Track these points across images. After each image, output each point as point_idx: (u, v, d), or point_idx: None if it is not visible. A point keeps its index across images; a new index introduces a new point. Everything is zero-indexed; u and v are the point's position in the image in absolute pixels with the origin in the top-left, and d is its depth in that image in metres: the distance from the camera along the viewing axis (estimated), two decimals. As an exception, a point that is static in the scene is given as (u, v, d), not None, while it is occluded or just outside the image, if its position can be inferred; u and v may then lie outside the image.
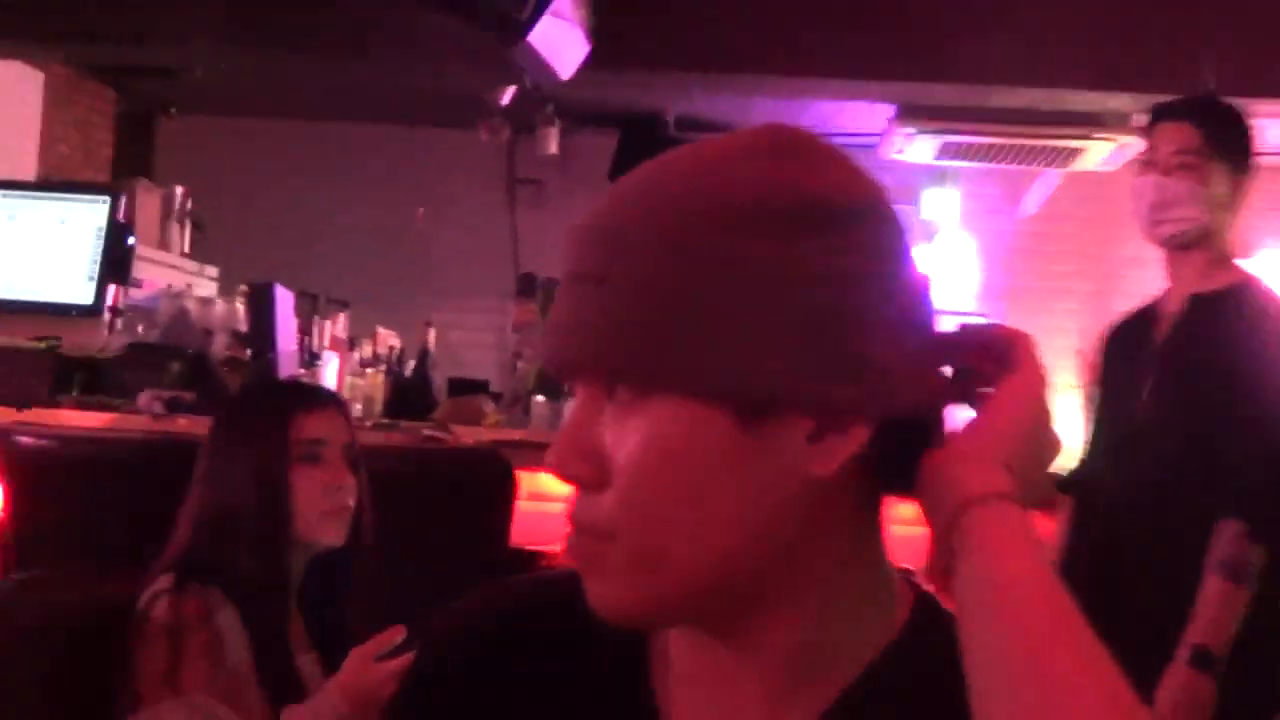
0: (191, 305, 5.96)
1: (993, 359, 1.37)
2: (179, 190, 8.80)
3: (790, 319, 1.26)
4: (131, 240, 6.12)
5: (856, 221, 1.31)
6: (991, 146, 9.71)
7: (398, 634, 2.93)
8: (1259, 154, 4.28)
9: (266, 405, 3.46)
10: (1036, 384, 1.35)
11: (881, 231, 1.33)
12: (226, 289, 6.71)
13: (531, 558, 4.77)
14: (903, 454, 1.35)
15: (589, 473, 1.33)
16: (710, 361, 1.27)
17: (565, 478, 1.35)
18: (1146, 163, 4.24)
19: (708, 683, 1.43)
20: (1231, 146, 4.21)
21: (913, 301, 1.34)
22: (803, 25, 8.04)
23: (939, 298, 1.33)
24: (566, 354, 1.36)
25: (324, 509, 3.34)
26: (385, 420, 5.93)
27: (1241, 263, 4.26)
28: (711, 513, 1.30)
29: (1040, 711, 1.17)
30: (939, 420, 1.38)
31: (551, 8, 6.54)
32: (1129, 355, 4.30)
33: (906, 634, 1.42)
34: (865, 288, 1.29)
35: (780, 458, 1.29)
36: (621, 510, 1.31)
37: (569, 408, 1.37)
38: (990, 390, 1.36)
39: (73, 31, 8.40)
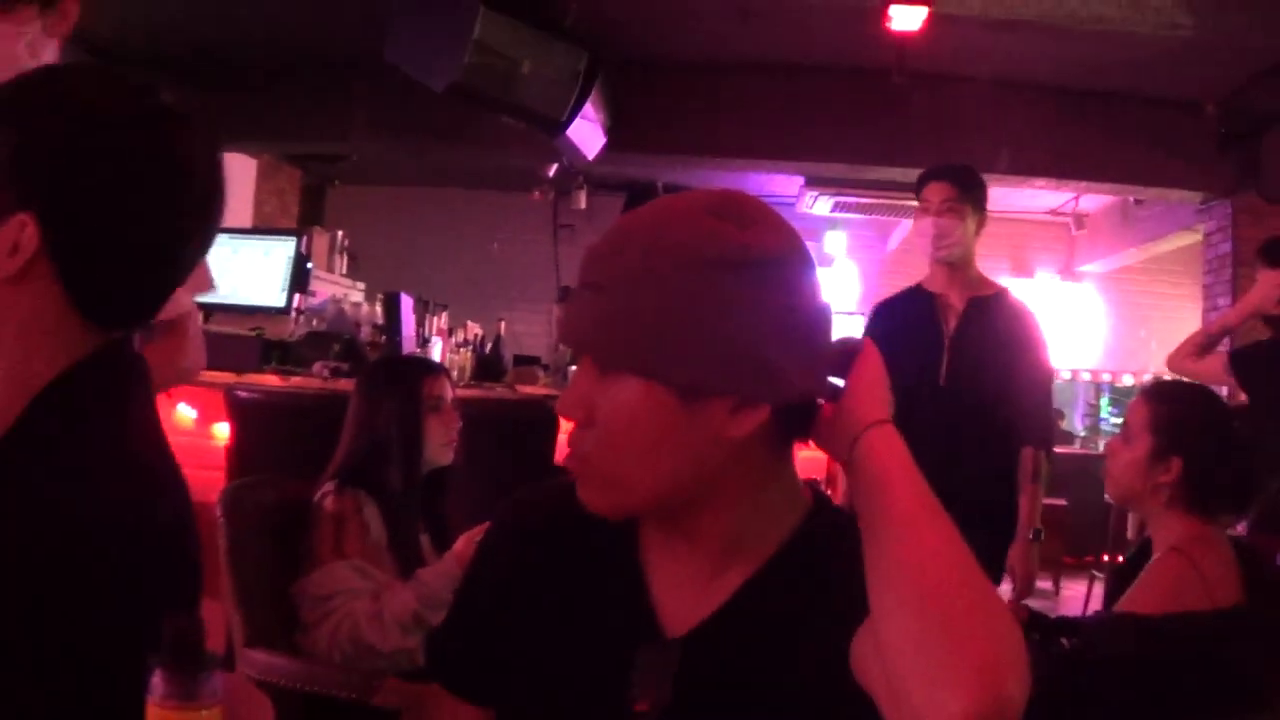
0: (346, 307, 6.00)
1: (851, 352, 1.38)
2: (340, 234, 8.85)
3: (718, 332, 1.29)
4: (309, 265, 6.18)
5: (772, 266, 1.31)
6: (868, 204, 9.82)
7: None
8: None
9: (406, 372, 3.47)
10: (879, 363, 1.36)
11: (792, 273, 1.33)
12: (370, 296, 6.72)
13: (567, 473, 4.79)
14: (800, 414, 1.38)
15: (580, 416, 1.37)
16: (663, 356, 1.30)
17: (564, 417, 1.40)
18: (923, 209, 4.25)
19: (669, 555, 1.45)
20: (976, 197, 4.24)
21: (811, 321, 1.34)
22: (746, 125, 8.14)
23: (833, 306, 1.31)
24: (574, 336, 1.38)
25: (443, 441, 3.38)
26: (473, 382, 5.98)
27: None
28: (657, 455, 1.34)
29: (918, 571, 1.19)
30: (824, 395, 1.37)
31: (589, 116, 6.56)
32: (916, 334, 4.27)
33: (807, 523, 1.44)
34: (774, 313, 1.30)
35: (708, 423, 1.32)
36: (596, 446, 1.36)
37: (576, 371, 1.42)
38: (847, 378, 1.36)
39: (273, 134, 8.53)
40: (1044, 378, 4.27)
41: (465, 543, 2.99)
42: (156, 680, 1.07)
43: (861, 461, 1.30)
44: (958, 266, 4.25)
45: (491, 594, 1.55)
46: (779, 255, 1.33)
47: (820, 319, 1.36)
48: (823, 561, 1.39)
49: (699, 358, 1.30)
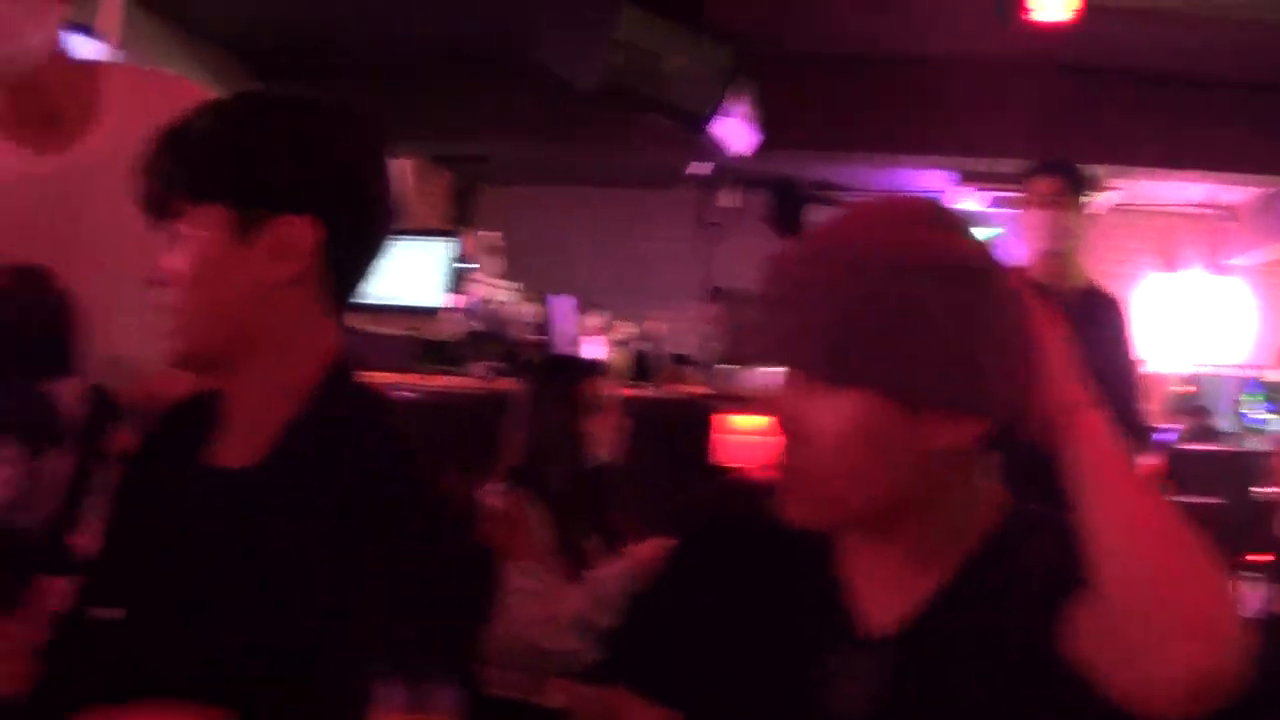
0: (503, 307, 6.03)
1: None
2: (491, 233, 8.91)
3: (943, 343, 1.27)
4: (466, 266, 6.22)
5: (982, 275, 1.30)
6: (1013, 198, 9.68)
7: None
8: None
9: (569, 373, 3.50)
10: (1066, 341, 1.34)
11: (998, 281, 1.32)
12: (526, 297, 6.75)
13: (720, 470, 4.79)
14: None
15: (792, 431, 1.34)
16: (895, 368, 1.28)
17: (781, 432, 1.36)
18: (1030, 201, 4.30)
19: (867, 558, 1.43)
20: (1083, 190, 4.30)
21: (1015, 328, 1.32)
22: (895, 119, 8.06)
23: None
24: (782, 350, 1.34)
25: (606, 439, 3.39)
26: (628, 381, 5.97)
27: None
28: (873, 470, 1.32)
29: (1153, 536, 1.23)
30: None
31: (735, 112, 6.53)
32: None
33: (1003, 520, 1.42)
34: (986, 322, 1.29)
35: (925, 436, 1.30)
36: (810, 462, 1.33)
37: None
38: None
39: (426, 138, 8.63)
40: (1135, 370, 4.37)
41: (651, 548, 2.97)
42: (390, 689, 1.11)
43: (1081, 443, 1.28)
44: (1064, 258, 4.27)
45: (683, 597, 1.54)
46: (987, 264, 1.33)
47: (1021, 326, 1.34)
48: (1021, 558, 1.38)
49: (927, 370, 1.28)
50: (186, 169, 1.44)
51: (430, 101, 8.38)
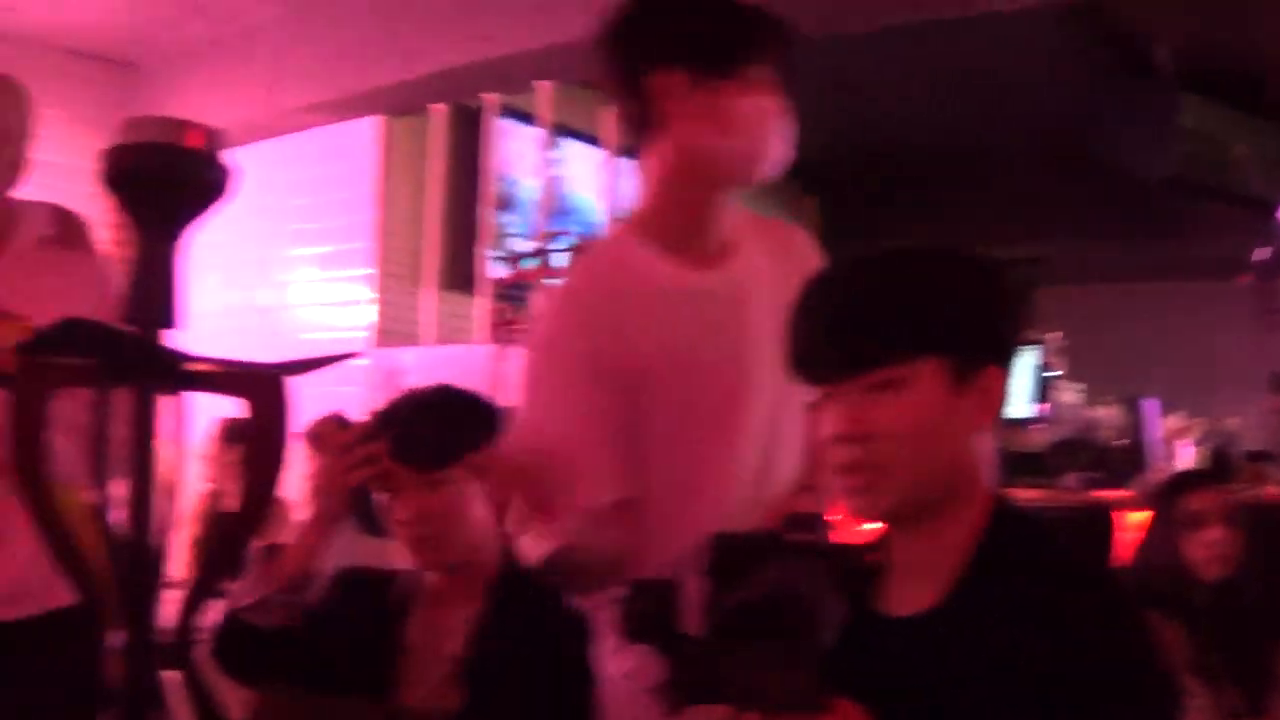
0: (1085, 413, 5.93)
1: None
2: (1058, 335, 8.79)
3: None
4: (1050, 374, 6.17)
5: None
6: None
7: None
8: None
9: (1168, 489, 3.36)
10: None
11: None
12: (1092, 400, 6.56)
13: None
14: None
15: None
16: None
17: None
18: None
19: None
20: None
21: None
22: None
23: None
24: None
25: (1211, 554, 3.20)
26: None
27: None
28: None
29: None
30: None
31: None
32: None
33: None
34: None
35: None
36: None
37: None
38: None
39: (982, 242, 8.63)
40: None
41: None
42: None
43: None
44: None
45: None
46: None
47: None
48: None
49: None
50: (907, 322, 1.45)
51: (986, 206, 8.39)
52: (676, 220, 2.04)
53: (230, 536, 1.13)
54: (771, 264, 2.06)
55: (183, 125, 1.06)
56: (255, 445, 1.08)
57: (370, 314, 6.00)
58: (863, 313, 1.46)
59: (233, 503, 4.41)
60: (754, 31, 1.98)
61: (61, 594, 2.26)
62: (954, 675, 1.38)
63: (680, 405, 1.94)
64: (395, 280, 6.08)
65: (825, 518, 1.55)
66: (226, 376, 1.08)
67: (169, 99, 6.64)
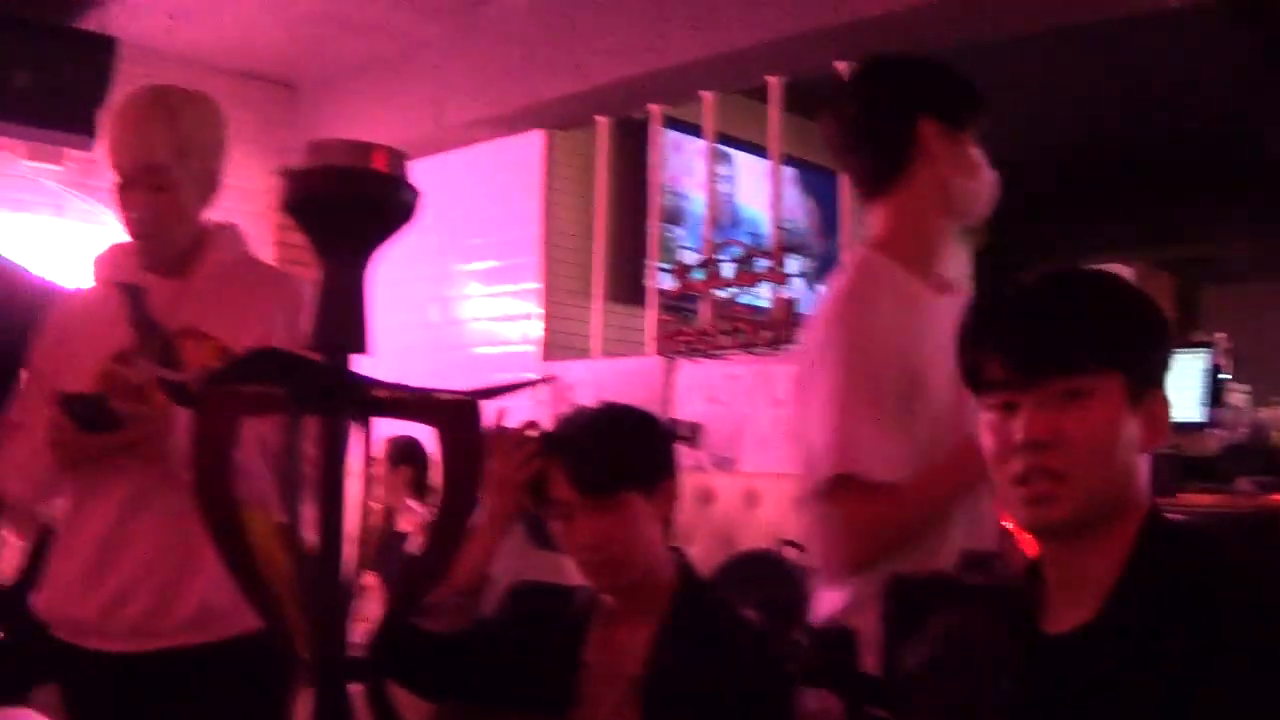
0: (1258, 415, 5.74)
1: None
2: (1223, 336, 8.54)
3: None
4: (1222, 376, 5.98)
5: None
6: None
7: None
8: None
9: None
10: None
11: None
12: (1258, 400, 6.34)
13: None
14: None
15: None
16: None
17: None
18: None
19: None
20: None
21: None
22: None
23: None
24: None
25: None
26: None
27: None
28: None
29: None
30: None
31: None
32: None
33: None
34: None
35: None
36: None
37: None
38: None
39: (1150, 242, 8.46)
40: None
41: None
42: None
43: None
44: None
45: None
46: None
47: None
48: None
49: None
50: (1102, 335, 1.49)
51: (1154, 207, 8.20)
52: (922, 247, 2.29)
53: (425, 565, 1.11)
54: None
55: (369, 147, 1.04)
56: (448, 472, 1.06)
57: (537, 328, 6.03)
58: (1063, 321, 1.50)
59: (404, 523, 4.47)
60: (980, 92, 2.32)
61: (249, 618, 2.33)
62: (1114, 689, 1.40)
63: (948, 409, 2.10)
64: (562, 293, 6.11)
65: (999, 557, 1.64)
66: (418, 403, 1.06)
67: (330, 118, 6.77)
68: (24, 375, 2.62)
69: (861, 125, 2.32)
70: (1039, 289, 1.55)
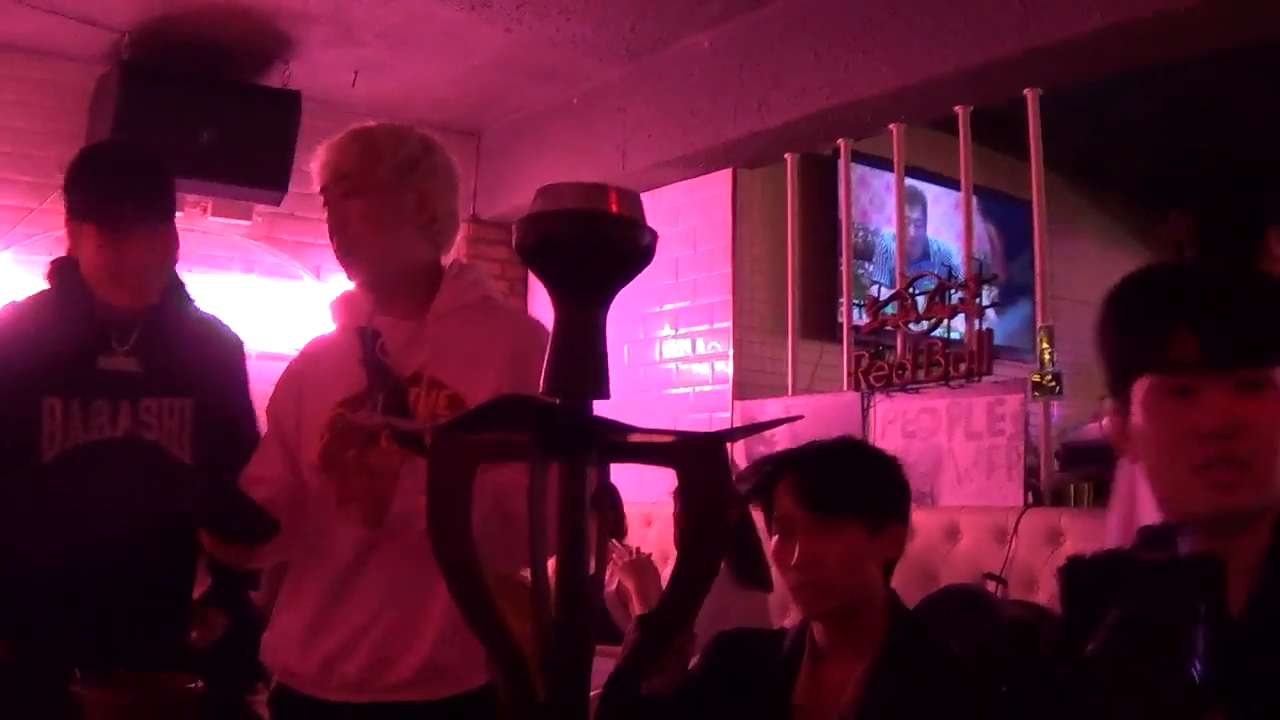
0: None
1: None
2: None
3: None
4: None
5: None
6: None
7: None
8: None
9: None
10: None
11: None
12: None
13: None
14: None
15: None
16: None
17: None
18: None
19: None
20: None
21: None
22: None
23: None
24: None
25: None
26: None
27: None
28: None
29: None
30: None
31: None
32: None
33: None
34: None
35: None
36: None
37: None
38: None
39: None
40: None
41: None
42: None
43: None
44: None
45: None
46: None
47: None
48: None
49: None
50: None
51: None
52: None
53: (668, 617, 1.07)
54: None
55: (603, 189, 1.02)
56: (692, 517, 1.03)
57: (728, 367, 6.00)
58: (1265, 311, 1.50)
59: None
60: None
61: (470, 678, 2.31)
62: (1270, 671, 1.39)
63: None
64: (751, 332, 6.08)
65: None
66: (660, 447, 1.03)
67: (515, 165, 6.84)
68: (261, 428, 2.65)
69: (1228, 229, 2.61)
70: (1239, 276, 1.55)
